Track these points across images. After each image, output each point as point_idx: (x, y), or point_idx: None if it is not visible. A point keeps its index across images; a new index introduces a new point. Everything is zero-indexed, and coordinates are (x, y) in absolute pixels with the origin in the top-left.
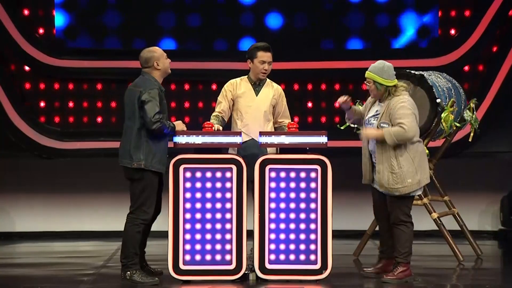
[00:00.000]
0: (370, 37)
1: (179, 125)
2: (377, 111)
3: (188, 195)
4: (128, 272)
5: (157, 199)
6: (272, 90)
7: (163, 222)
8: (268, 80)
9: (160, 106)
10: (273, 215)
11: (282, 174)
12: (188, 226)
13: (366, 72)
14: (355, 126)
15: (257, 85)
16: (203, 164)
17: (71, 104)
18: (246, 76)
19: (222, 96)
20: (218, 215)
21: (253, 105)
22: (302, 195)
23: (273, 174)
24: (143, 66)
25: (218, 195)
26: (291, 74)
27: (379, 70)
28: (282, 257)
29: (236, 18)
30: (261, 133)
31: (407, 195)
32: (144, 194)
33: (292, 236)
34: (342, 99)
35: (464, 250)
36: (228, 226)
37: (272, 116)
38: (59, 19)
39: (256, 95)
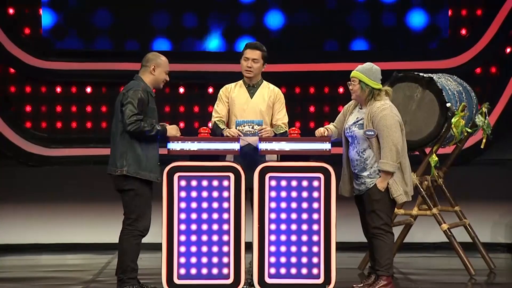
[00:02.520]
0: (376, 38)
1: (173, 129)
2: (357, 118)
3: (183, 205)
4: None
5: None
6: (268, 92)
7: (156, 234)
8: (264, 82)
9: (144, 109)
10: (273, 226)
11: (283, 183)
12: (183, 238)
13: (352, 72)
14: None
15: (251, 87)
16: (199, 172)
17: (59, 109)
18: (241, 80)
19: (219, 101)
20: (215, 226)
21: (247, 108)
22: (304, 205)
23: (273, 183)
24: (142, 64)
25: (215, 205)
26: (292, 77)
27: (367, 70)
28: (283, 270)
29: (234, 18)
30: (261, 139)
31: (390, 203)
32: (139, 204)
33: (293, 249)
34: (318, 134)
35: (476, 264)
36: (225, 237)
37: (270, 120)
38: (46, 19)
39: (251, 98)
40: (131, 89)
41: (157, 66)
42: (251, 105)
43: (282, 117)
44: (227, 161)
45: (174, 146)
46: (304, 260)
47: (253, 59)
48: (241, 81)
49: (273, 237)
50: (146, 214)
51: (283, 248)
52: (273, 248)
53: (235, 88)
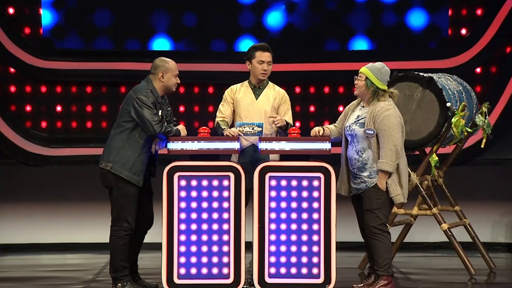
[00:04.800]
0: (376, 37)
1: (184, 130)
2: (358, 116)
3: (183, 204)
4: (119, 284)
5: (147, 211)
6: (274, 93)
7: (156, 234)
8: (270, 83)
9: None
10: (273, 226)
11: (283, 183)
12: (183, 237)
13: (362, 67)
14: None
15: (257, 88)
16: (199, 171)
17: (59, 108)
18: (247, 81)
19: (223, 102)
20: (215, 226)
21: (252, 109)
22: (304, 204)
23: (273, 183)
24: (151, 71)
25: (215, 204)
26: (292, 76)
27: (376, 69)
28: (283, 270)
29: (234, 17)
30: (261, 139)
31: (388, 203)
32: (120, 203)
33: (293, 248)
34: (313, 133)
35: (476, 263)
36: (225, 237)
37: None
38: (47, 18)
39: (256, 99)
40: (141, 92)
41: (165, 72)
42: (256, 106)
43: (288, 119)
44: (227, 161)
45: (174, 146)
46: (304, 259)
47: (268, 61)
48: (246, 82)
49: (273, 237)
50: (127, 213)
51: (283, 248)
52: (273, 248)
53: (240, 89)
